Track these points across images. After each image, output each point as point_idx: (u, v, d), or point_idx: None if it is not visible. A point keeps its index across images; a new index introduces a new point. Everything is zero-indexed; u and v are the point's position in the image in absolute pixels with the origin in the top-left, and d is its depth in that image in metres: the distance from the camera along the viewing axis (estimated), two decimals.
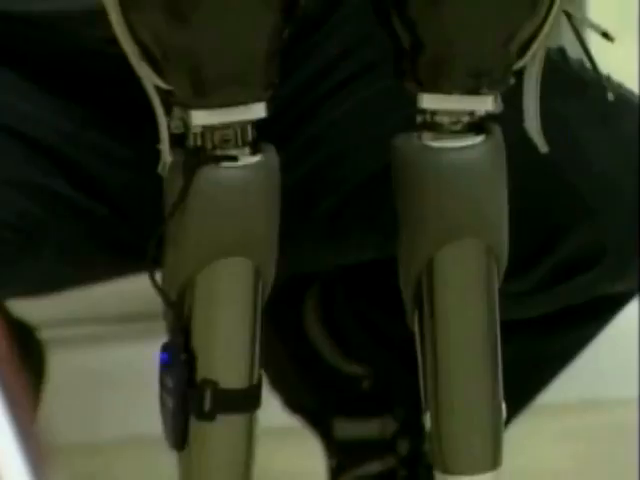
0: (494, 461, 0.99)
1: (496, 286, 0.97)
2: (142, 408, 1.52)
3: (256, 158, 0.94)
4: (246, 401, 1.01)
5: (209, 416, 0.99)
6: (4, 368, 0.42)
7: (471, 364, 0.98)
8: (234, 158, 0.93)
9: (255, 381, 1.00)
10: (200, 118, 0.92)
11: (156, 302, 1.40)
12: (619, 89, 1.14)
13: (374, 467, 1.43)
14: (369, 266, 1.26)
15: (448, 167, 0.96)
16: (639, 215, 1.23)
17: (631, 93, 1.32)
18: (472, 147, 0.95)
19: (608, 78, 1.02)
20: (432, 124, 0.95)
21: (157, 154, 1.05)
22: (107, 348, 1.48)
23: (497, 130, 0.96)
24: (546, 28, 0.96)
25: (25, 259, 1.17)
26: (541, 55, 0.97)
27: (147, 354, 1.43)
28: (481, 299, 0.98)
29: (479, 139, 0.94)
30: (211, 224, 0.96)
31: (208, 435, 1.01)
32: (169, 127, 0.93)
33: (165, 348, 1.01)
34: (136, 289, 1.26)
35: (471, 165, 0.96)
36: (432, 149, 0.95)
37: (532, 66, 0.97)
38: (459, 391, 0.98)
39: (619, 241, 1.24)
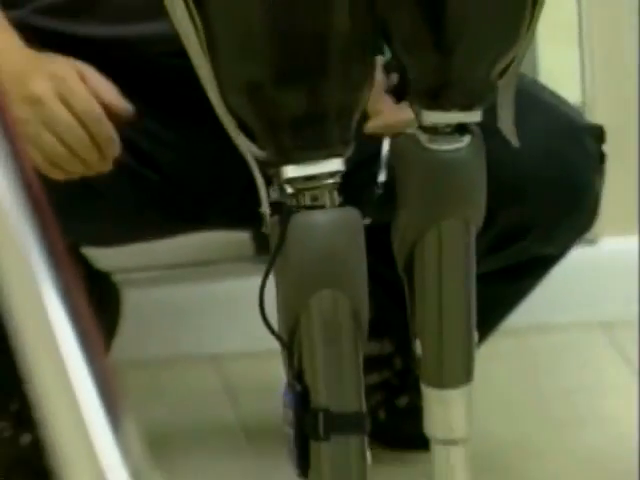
0: (468, 376, 1.12)
1: (474, 251, 1.10)
2: (186, 330, 1.66)
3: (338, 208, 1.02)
4: (354, 423, 1.04)
5: (324, 437, 1.02)
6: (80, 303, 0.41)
7: (453, 306, 1.12)
8: (322, 206, 1.01)
9: (362, 408, 1.05)
10: (290, 172, 1.00)
11: (204, 251, 1.64)
12: (524, 82, 1.23)
13: (373, 378, 1.49)
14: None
15: (444, 164, 1.06)
16: (558, 194, 1.39)
17: (540, 86, 1.49)
18: (462, 149, 1.05)
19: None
20: (429, 128, 1.05)
21: (196, 139, 1.23)
22: (159, 287, 1.66)
23: (478, 131, 1.06)
24: (521, 54, 1.06)
25: (100, 214, 1.35)
26: (516, 72, 1.07)
27: (190, 290, 1.66)
28: (463, 260, 1.11)
29: (466, 140, 1.04)
30: (306, 261, 1.01)
31: (324, 455, 1.03)
32: (269, 194, 1.00)
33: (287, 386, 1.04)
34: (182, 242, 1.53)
35: (462, 163, 1.07)
36: (430, 150, 1.05)
37: (509, 82, 1.07)
38: (443, 324, 1.11)
39: (543, 216, 1.40)
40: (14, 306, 0.40)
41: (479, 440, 1.21)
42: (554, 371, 1.72)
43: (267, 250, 1.04)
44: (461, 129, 1.05)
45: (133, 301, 1.52)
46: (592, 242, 1.58)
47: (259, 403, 1.52)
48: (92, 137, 1.21)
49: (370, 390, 1.28)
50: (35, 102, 1.19)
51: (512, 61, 1.05)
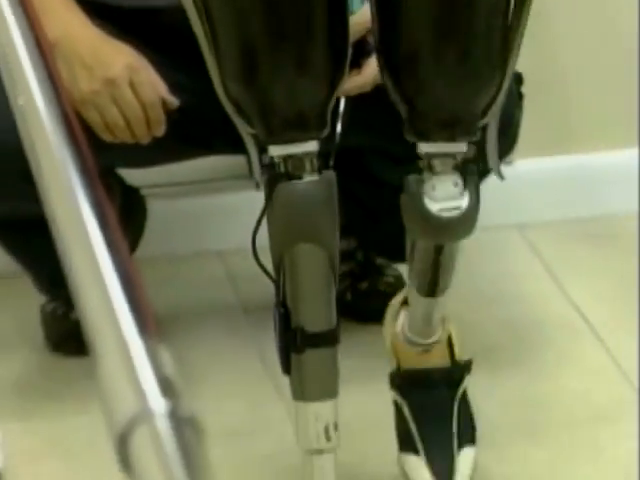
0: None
1: None
2: (197, 231, 1.67)
3: (316, 177, 1.01)
4: (325, 339, 1.05)
5: (300, 351, 1.05)
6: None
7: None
8: (300, 177, 1.00)
9: (332, 325, 1.06)
10: (274, 151, 1.00)
11: (211, 171, 1.64)
12: None
13: (342, 268, 1.37)
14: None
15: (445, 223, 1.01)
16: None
17: None
18: (458, 208, 1.00)
19: None
20: (429, 166, 1.00)
21: (204, 82, 1.23)
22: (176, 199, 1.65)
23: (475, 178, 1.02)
24: (501, 97, 1.00)
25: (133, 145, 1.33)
26: (497, 113, 1.02)
27: (200, 201, 1.67)
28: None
29: (465, 201, 1.00)
30: (286, 221, 1.03)
31: (301, 364, 1.06)
32: (261, 161, 1.02)
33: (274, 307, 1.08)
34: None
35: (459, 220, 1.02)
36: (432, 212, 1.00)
37: (492, 121, 1.03)
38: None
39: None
40: (54, 210, 0.41)
41: None
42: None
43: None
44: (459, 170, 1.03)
45: (155, 209, 1.55)
46: (510, 163, 1.64)
47: (257, 289, 1.48)
48: (147, 119, 1.26)
49: (339, 278, 1.31)
50: (111, 83, 1.23)
51: (492, 103, 1.01)
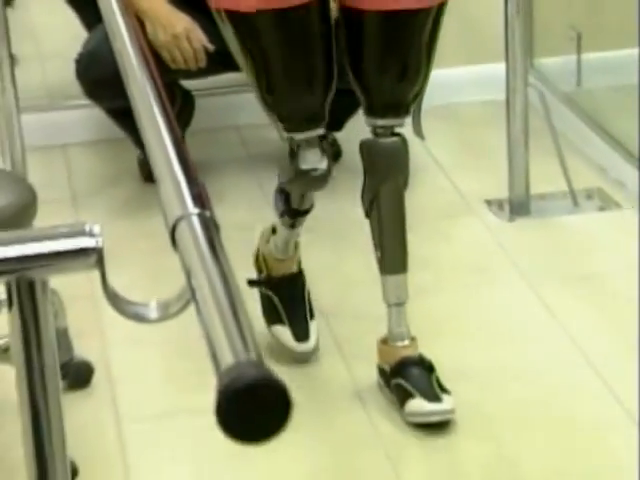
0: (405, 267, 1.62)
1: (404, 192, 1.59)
2: (218, 109, 2.49)
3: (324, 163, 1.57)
4: (305, 213, 1.68)
5: (294, 223, 1.68)
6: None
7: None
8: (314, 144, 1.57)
9: (309, 206, 1.68)
10: (296, 136, 1.56)
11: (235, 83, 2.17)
12: None
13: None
14: None
15: (389, 149, 1.55)
16: None
17: None
18: (399, 141, 1.57)
19: None
20: (376, 132, 1.56)
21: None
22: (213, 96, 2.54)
23: (402, 133, 1.57)
24: (424, 90, 1.57)
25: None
26: (420, 100, 1.58)
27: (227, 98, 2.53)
28: (400, 199, 1.57)
29: (399, 138, 1.57)
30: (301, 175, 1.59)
31: (286, 225, 1.68)
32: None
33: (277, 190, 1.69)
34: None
35: (398, 149, 1.56)
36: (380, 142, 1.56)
37: (418, 104, 1.58)
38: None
39: None
40: (137, 105, 0.71)
41: None
42: None
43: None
44: (393, 133, 1.57)
45: (199, 103, 2.41)
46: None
47: (267, 149, 2.29)
48: (195, 56, 2.15)
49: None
50: (175, 37, 2.12)
51: (419, 93, 1.57)
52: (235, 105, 2.49)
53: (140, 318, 0.66)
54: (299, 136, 1.53)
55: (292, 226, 1.69)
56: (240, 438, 0.51)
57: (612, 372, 1.65)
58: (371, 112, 1.55)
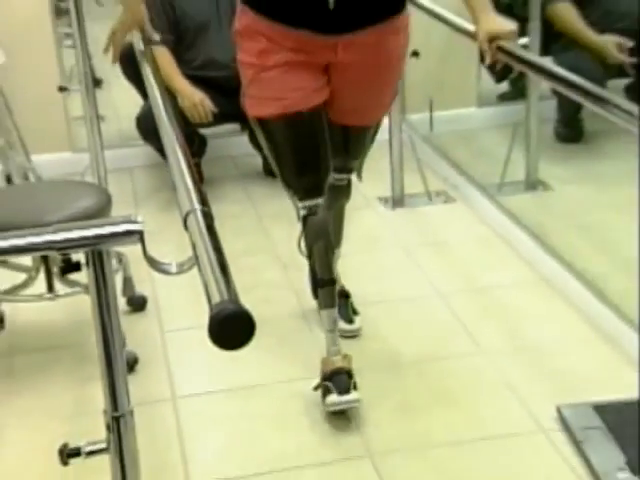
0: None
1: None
2: (226, 145, 3.80)
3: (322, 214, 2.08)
4: (329, 282, 2.12)
5: (320, 286, 2.12)
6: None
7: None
8: (316, 213, 2.07)
9: (333, 276, 2.16)
10: (306, 203, 2.05)
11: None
12: None
13: None
14: None
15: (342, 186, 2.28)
16: None
17: None
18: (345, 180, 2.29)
19: None
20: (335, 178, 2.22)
21: (227, 104, 3.09)
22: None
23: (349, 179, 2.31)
24: (364, 159, 2.30)
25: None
26: (361, 164, 2.32)
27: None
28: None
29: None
30: (312, 234, 2.09)
31: (320, 293, 2.13)
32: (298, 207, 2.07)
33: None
34: None
35: (347, 186, 2.31)
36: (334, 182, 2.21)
37: (360, 163, 2.33)
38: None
39: None
40: (167, 146, 1.16)
41: None
42: None
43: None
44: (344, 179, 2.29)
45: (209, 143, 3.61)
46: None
47: (249, 169, 3.73)
48: (206, 115, 3.20)
49: None
50: (194, 104, 3.20)
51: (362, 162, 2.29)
52: (230, 143, 3.80)
53: (165, 272, 1.09)
54: (306, 203, 2.07)
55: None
56: (223, 347, 0.89)
57: (468, 315, 2.47)
58: (333, 170, 2.20)
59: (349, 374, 2.03)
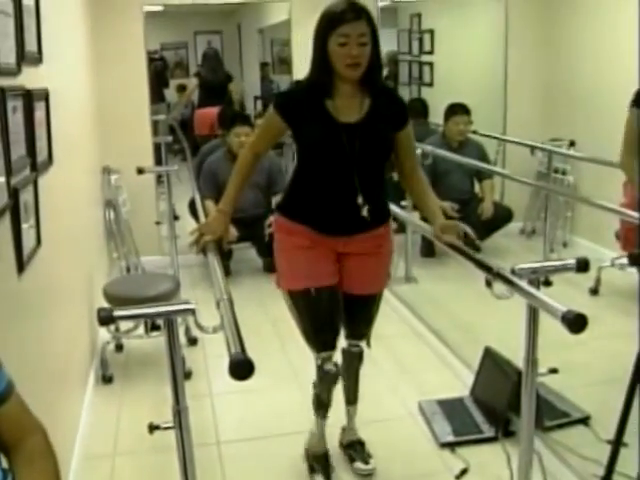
0: None
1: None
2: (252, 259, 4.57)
3: (334, 365, 2.70)
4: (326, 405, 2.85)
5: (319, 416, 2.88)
6: None
7: None
8: (330, 360, 2.67)
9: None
10: (322, 355, 2.64)
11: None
12: None
13: None
14: None
15: (354, 353, 2.84)
16: None
17: None
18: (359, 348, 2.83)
19: None
20: (349, 344, 2.82)
21: (249, 231, 4.65)
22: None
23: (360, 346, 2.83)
24: (372, 326, 2.83)
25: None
26: (370, 329, 2.83)
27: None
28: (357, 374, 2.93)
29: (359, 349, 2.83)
30: (325, 384, 2.74)
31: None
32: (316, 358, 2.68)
33: None
34: None
35: (359, 353, 2.84)
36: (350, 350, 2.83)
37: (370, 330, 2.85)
38: None
39: None
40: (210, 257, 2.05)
41: None
42: None
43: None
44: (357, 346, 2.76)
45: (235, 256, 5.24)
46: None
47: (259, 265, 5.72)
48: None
49: None
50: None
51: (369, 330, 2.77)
52: (247, 252, 5.44)
53: (206, 332, 1.93)
54: (322, 355, 2.59)
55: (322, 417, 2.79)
56: (236, 378, 1.69)
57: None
58: (347, 336, 2.72)
59: (363, 443, 2.94)
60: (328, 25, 2.34)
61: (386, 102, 2.44)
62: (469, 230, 2.42)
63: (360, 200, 2.37)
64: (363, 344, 2.75)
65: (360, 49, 2.33)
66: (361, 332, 2.71)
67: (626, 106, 3.96)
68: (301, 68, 5.26)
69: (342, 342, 2.71)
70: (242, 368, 1.67)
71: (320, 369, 2.60)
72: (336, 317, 2.56)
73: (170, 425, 1.91)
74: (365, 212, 2.39)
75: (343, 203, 2.43)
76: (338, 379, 2.68)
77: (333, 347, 2.57)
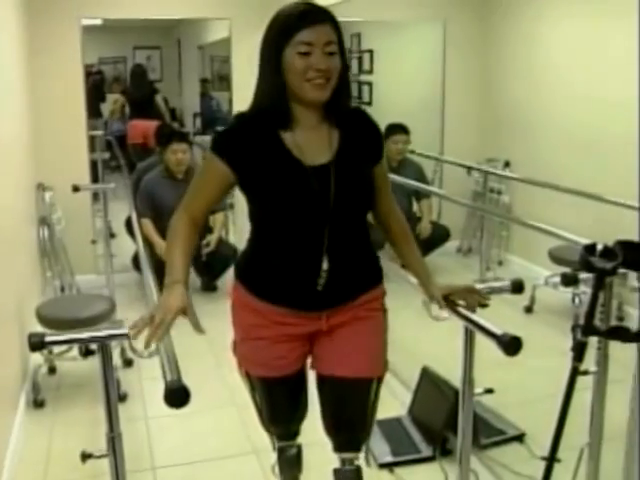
0: None
1: None
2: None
3: (295, 450, 2.29)
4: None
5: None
6: None
7: None
8: (292, 447, 2.27)
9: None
10: (282, 443, 2.28)
11: None
12: None
13: None
14: None
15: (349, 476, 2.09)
16: None
17: None
18: (356, 470, 2.10)
19: None
20: (343, 461, 2.09)
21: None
22: None
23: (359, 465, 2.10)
24: (369, 433, 2.12)
25: None
26: (367, 438, 2.13)
27: None
28: None
29: (356, 467, 2.09)
30: (287, 464, 2.29)
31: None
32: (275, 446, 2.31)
33: None
34: None
35: (357, 476, 2.09)
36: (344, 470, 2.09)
37: (367, 439, 2.16)
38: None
39: None
40: (145, 274, 1.99)
41: None
42: None
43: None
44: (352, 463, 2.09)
45: None
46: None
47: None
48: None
49: None
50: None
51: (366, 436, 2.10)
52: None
53: (141, 356, 1.89)
54: (281, 444, 2.24)
55: None
56: (171, 406, 1.66)
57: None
58: (336, 448, 2.05)
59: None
60: (283, 32, 1.72)
61: (357, 130, 1.89)
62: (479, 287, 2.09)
63: (325, 266, 1.81)
64: (361, 458, 2.05)
65: (328, 60, 1.74)
66: (356, 437, 2.02)
67: (559, 128, 4.04)
68: (242, 85, 5.38)
69: (332, 457, 2.07)
70: (178, 396, 1.65)
71: (281, 454, 2.28)
72: (300, 405, 2.15)
73: (104, 453, 1.87)
74: (321, 285, 1.84)
75: (304, 271, 1.85)
76: (302, 465, 2.30)
77: (293, 437, 2.27)
